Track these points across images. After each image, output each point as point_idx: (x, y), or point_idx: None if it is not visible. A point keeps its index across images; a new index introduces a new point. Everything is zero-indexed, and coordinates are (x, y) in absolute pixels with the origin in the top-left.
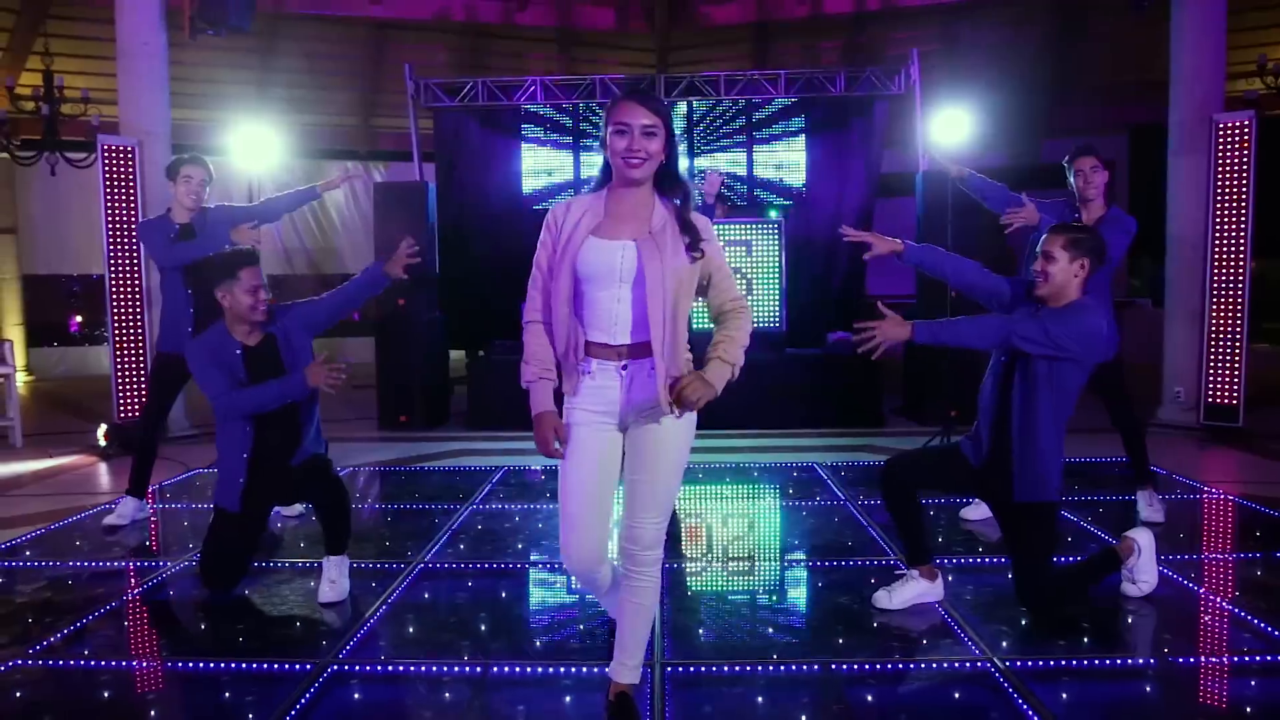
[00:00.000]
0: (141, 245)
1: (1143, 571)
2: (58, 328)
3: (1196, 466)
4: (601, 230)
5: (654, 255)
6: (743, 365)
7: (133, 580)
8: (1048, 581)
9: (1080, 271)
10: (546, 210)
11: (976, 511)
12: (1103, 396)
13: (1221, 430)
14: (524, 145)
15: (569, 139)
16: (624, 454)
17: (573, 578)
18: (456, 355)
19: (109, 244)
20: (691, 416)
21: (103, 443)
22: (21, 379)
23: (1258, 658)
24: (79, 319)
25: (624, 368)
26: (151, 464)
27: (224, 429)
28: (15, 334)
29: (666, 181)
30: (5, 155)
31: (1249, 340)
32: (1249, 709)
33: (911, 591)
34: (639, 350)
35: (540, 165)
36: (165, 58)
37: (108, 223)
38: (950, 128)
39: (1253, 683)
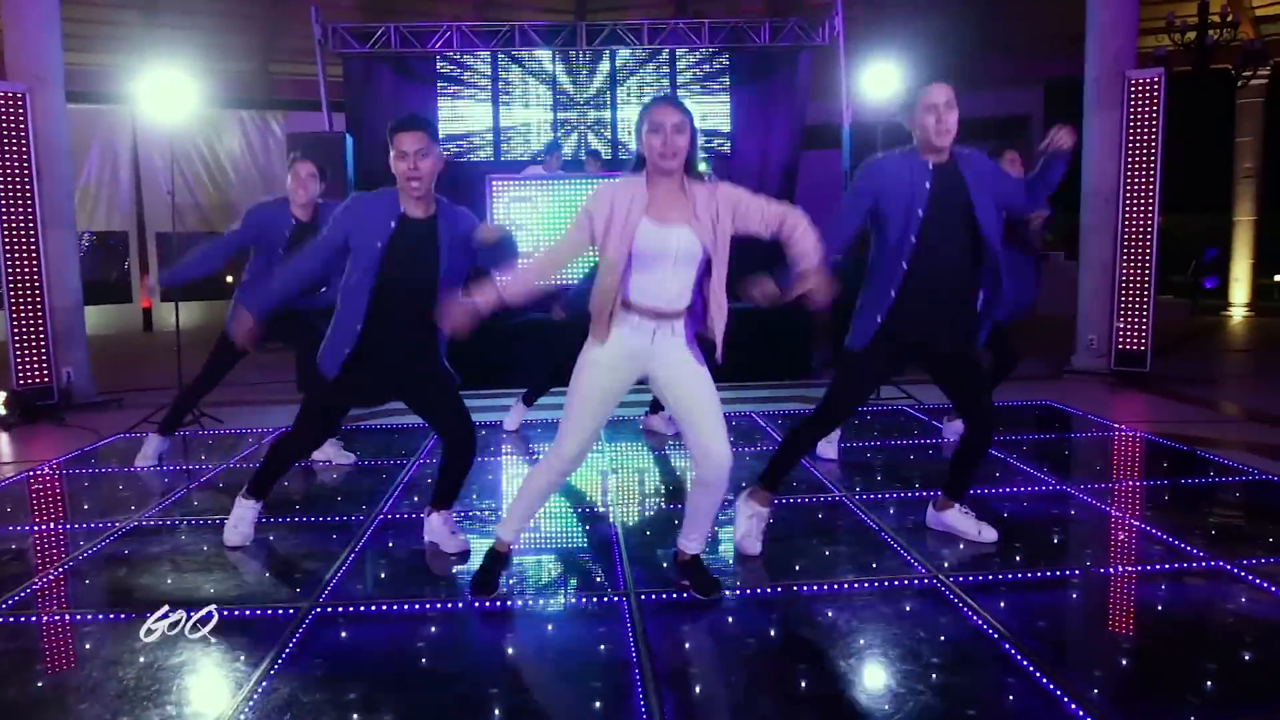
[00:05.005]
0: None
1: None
2: None
3: (1107, 407)
4: (652, 214)
5: (709, 235)
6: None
7: (82, 541)
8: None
9: None
10: (465, 161)
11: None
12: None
13: (1131, 375)
14: (440, 95)
15: (487, 88)
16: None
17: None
18: None
19: (2, 200)
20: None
21: (3, 411)
22: None
23: (1163, 565)
24: None
25: (655, 329)
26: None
27: (347, 293)
28: None
29: (688, 168)
30: None
31: (1156, 292)
32: (1159, 607)
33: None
34: (675, 314)
35: (457, 115)
36: None
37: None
38: (874, 80)
39: (1162, 586)
